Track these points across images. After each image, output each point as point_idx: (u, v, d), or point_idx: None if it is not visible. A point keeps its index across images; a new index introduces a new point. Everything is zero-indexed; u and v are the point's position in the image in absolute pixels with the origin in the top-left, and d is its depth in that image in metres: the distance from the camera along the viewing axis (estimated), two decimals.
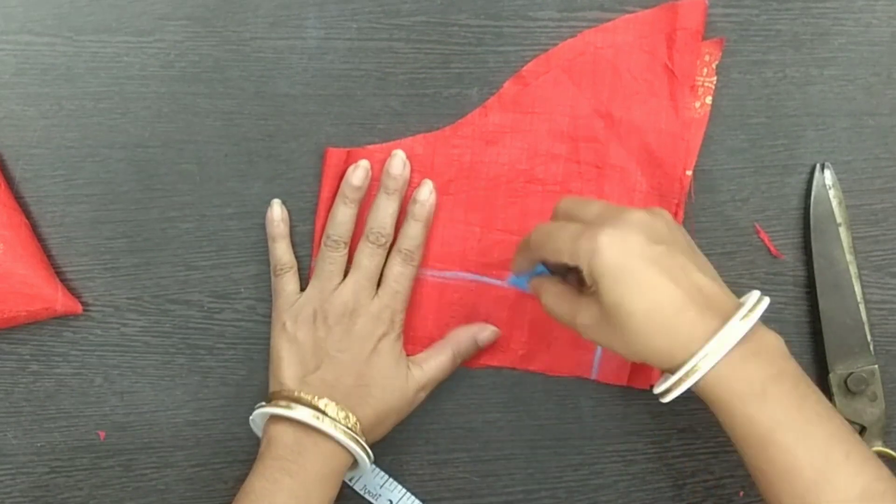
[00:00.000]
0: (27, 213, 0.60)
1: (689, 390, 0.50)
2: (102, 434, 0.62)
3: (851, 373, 0.61)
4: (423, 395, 0.60)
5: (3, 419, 0.62)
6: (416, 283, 0.61)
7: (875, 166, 0.62)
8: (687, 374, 0.48)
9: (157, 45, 0.60)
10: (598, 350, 0.62)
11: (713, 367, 0.48)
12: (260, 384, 0.62)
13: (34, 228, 0.60)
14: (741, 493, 0.63)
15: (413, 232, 0.60)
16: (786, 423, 0.48)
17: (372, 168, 0.60)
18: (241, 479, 0.62)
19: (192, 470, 0.63)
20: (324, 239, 0.59)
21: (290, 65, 0.61)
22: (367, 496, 0.62)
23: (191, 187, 0.61)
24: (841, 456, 0.48)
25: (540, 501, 0.63)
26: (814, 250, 0.61)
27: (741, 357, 0.48)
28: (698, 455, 0.63)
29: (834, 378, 0.61)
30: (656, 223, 0.50)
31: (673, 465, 0.63)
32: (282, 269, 0.60)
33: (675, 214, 0.61)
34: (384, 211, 0.59)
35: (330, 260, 0.59)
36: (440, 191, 0.61)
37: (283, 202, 0.61)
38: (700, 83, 0.61)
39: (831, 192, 0.61)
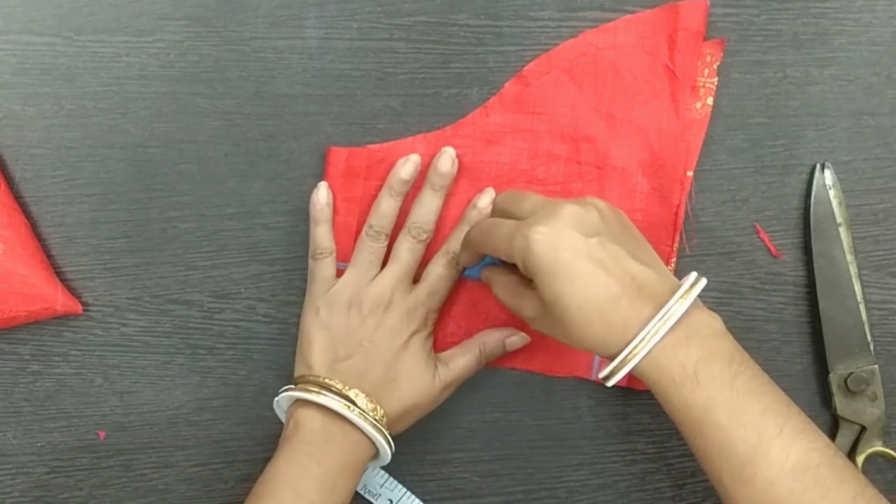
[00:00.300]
0: (27, 213, 0.60)
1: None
2: (102, 434, 0.62)
3: (851, 373, 0.61)
4: (447, 393, 0.60)
5: (3, 419, 0.62)
6: None
7: (875, 166, 0.62)
8: (623, 362, 0.49)
9: (157, 45, 0.60)
10: None
11: (647, 354, 0.49)
12: (260, 384, 0.62)
13: (34, 228, 0.60)
14: None
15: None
16: (719, 402, 0.49)
17: (376, 168, 0.60)
18: (241, 479, 0.62)
19: (192, 470, 0.63)
20: (365, 228, 0.59)
21: (290, 65, 0.61)
22: (367, 496, 0.62)
23: (191, 187, 0.61)
24: (774, 430, 0.48)
25: (540, 501, 0.63)
26: (814, 250, 0.61)
27: (674, 341, 0.49)
28: None
29: (834, 378, 0.61)
30: (588, 215, 0.51)
31: (673, 465, 0.63)
32: (321, 254, 0.60)
33: (676, 215, 0.61)
34: (428, 207, 0.59)
35: (370, 250, 0.59)
36: None
37: (284, 202, 0.61)
38: (701, 84, 0.61)
39: (831, 192, 0.61)
